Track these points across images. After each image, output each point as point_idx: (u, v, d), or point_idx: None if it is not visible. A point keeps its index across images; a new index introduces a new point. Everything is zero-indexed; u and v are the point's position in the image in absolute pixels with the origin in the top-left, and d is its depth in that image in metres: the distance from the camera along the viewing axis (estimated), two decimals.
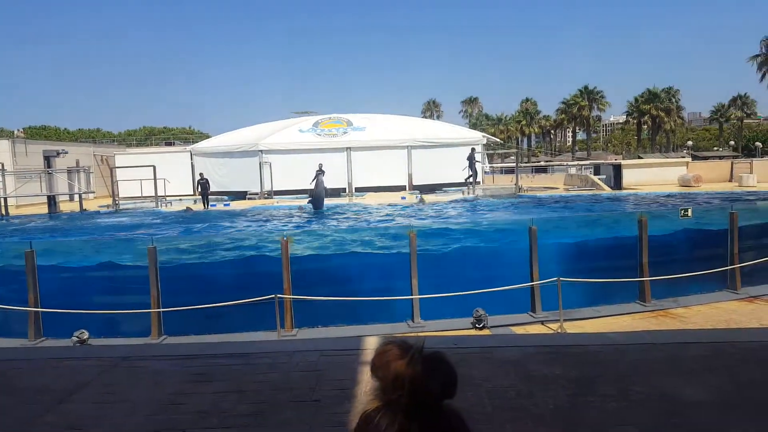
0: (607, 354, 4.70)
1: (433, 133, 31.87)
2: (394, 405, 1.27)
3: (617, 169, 26.75)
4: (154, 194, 26.01)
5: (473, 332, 8.01)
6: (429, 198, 24.28)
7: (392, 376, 1.27)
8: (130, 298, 9.30)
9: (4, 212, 24.24)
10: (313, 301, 8.63)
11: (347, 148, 28.95)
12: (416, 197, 24.74)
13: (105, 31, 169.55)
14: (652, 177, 26.51)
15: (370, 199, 24.72)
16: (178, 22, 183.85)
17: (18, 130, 56.22)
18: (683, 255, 10.35)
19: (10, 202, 25.52)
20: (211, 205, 24.56)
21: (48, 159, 26.45)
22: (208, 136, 51.36)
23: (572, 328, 8.10)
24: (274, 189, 28.25)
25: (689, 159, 33.22)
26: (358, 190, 28.46)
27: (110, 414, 3.83)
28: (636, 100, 72.13)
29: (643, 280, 9.32)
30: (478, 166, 27.81)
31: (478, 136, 32.33)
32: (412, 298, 8.80)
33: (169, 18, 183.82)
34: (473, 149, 27.08)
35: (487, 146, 33.98)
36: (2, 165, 25.04)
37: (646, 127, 74.17)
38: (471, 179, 26.06)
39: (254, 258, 10.41)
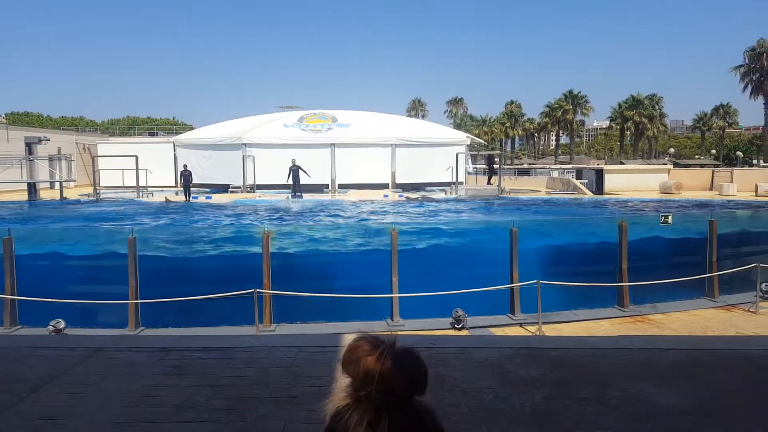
0: (585, 357, 4.75)
1: (418, 132, 31.89)
2: (364, 401, 1.27)
3: (599, 174, 27.02)
4: (135, 184, 25.67)
5: (452, 332, 8.04)
6: (410, 195, 24.34)
7: (362, 372, 1.26)
8: (107, 288, 9.18)
9: None
10: (293, 297, 8.59)
11: (331, 144, 28.85)
12: (399, 196, 24.77)
13: (91, 19, 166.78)
14: (633, 183, 26.82)
15: (353, 196, 24.67)
16: (164, 14, 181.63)
17: (0, 116, 55.12)
18: (662, 261, 10.49)
19: None
20: (193, 198, 24.34)
21: (29, 146, 25.97)
22: (192, 128, 50.90)
23: (551, 330, 8.18)
24: (256, 183, 28.06)
25: (671, 166, 33.70)
26: (341, 186, 28.40)
27: (84, 405, 3.77)
28: (620, 105, 72.92)
29: (622, 285, 9.42)
30: (462, 169, 28.20)
31: (462, 137, 32.43)
32: (391, 297, 8.80)
33: (155, 9, 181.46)
34: (493, 155, 28.53)
35: (470, 147, 34.12)
36: None
37: (629, 133, 75.04)
38: (489, 180, 27.43)
39: (235, 251, 10.34)
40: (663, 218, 10.56)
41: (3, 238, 8.73)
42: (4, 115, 66.48)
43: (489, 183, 28.15)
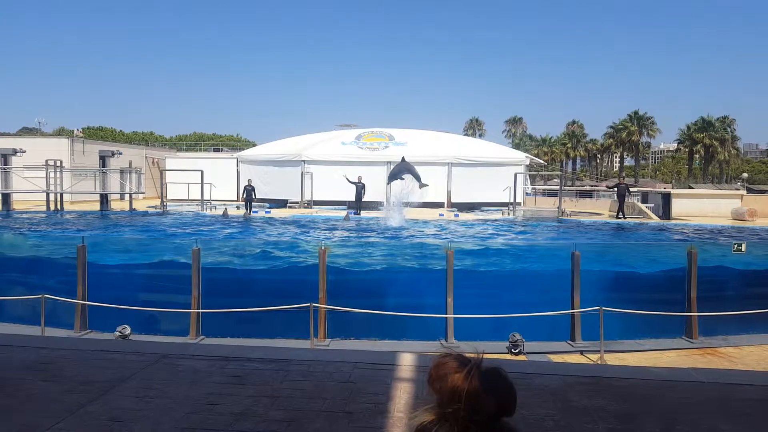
0: (652, 389, 4.53)
1: (475, 151, 31.71)
2: (450, 418, 1.26)
3: (666, 198, 25.91)
4: (200, 198, 26.70)
5: (509, 357, 7.85)
6: (466, 216, 24.09)
7: (449, 390, 1.26)
8: (170, 297, 9.53)
9: (59, 207, 25.31)
10: (347, 313, 8.63)
11: (387, 162, 29.08)
12: (455, 215, 24.60)
13: (162, 43, 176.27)
14: (703, 208, 25.55)
15: (407, 215, 24.69)
16: (229, 41, 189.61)
17: (77, 130, 58.86)
18: (735, 291, 9.91)
19: (66, 198, 26.66)
20: (253, 212, 25.06)
21: (103, 159, 27.53)
22: (254, 145, 52.55)
23: (613, 360, 7.84)
24: (314, 199, 28.62)
25: (744, 192, 31.89)
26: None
27: (150, 409, 3.91)
28: (688, 127, 70.12)
29: (690, 315, 8.94)
30: (520, 189, 27.22)
31: (521, 157, 32.00)
32: (446, 317, 8.70)
33: (221, 32, 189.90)
34: (626, 184, 25.45)
35: (530, 167, 33.58)
36: (61, 162, 26.17)
37: (698, 156, 71.94)
38: (621, 215, 23.68)
39: (292, 265, 10.52)
40: (736, 246, 10.00)
41: (77, 246, 9.24)
42: (81, 130, 70.91)
43: (618, 217, 23.69)
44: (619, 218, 23.52)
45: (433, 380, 1.30)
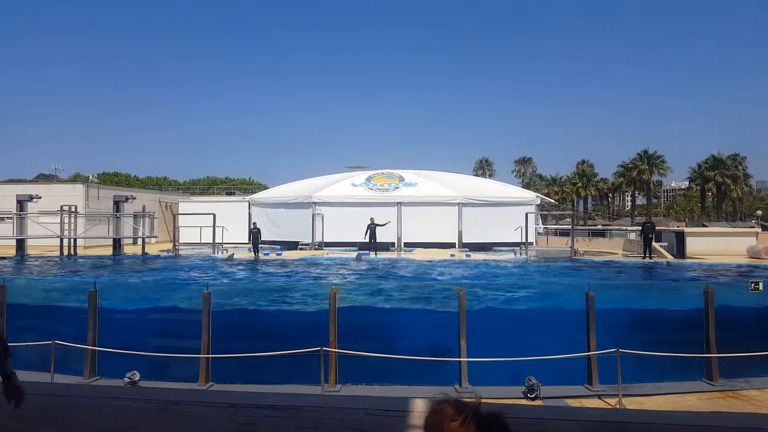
0: None
1: (485, 191, 31.83)
2: None
3: (680, 237, 25.63)
4: (212, 241, 26.83)
5: (525, 402, 7.64)
6: (478, 256, 23.92)
7: None
8: (179, 342, 9.45)
9: (72, 252, 25.53)
10: (356, 357, 8.50)
11: (398, 203, 29.23)
12: (467, 255, 24.46)
13: (176, 92, 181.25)
14: (717, 246, 25.21)
15: (419, 255, 24.61)
16: (241, 83, 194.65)
17: (93, 176, 59.94)
18: (756, 331, 9.65)
19: (79, 242, 26.92)
20: (264, 254, 25.08)
21: (117, 204, 27.91)
22: (266, 187, 53.14)
23: (632, 404, 7.61)
24: (325, 240, 28.67)
25: (759, 229, 31.49)
26: (407, 245, 28.51)
27: None
28: (699, 166, 70.04)
29: (710, 357, 8.70)
30: (532, 229, 27.07)
31: (531, 196, 32.02)
32: (459, 361, 8.53)
33: (233, 79, 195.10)
34: (652, 223, 24.81)
35: (540, 207, 33.53)
36: (75, 207, 26.54)
37: (710, 194, 71.55)
38: (647, 256, 23.29)
39: (301, 308, 10.43)
40: (753, 284, 9.80)
41: (89, 291, 9.26)
42: (96, 176, 72.21)
43: (646, 256, 23.40)
44: (645, 258, 23.26)
45: (429, 428, 1.26)
